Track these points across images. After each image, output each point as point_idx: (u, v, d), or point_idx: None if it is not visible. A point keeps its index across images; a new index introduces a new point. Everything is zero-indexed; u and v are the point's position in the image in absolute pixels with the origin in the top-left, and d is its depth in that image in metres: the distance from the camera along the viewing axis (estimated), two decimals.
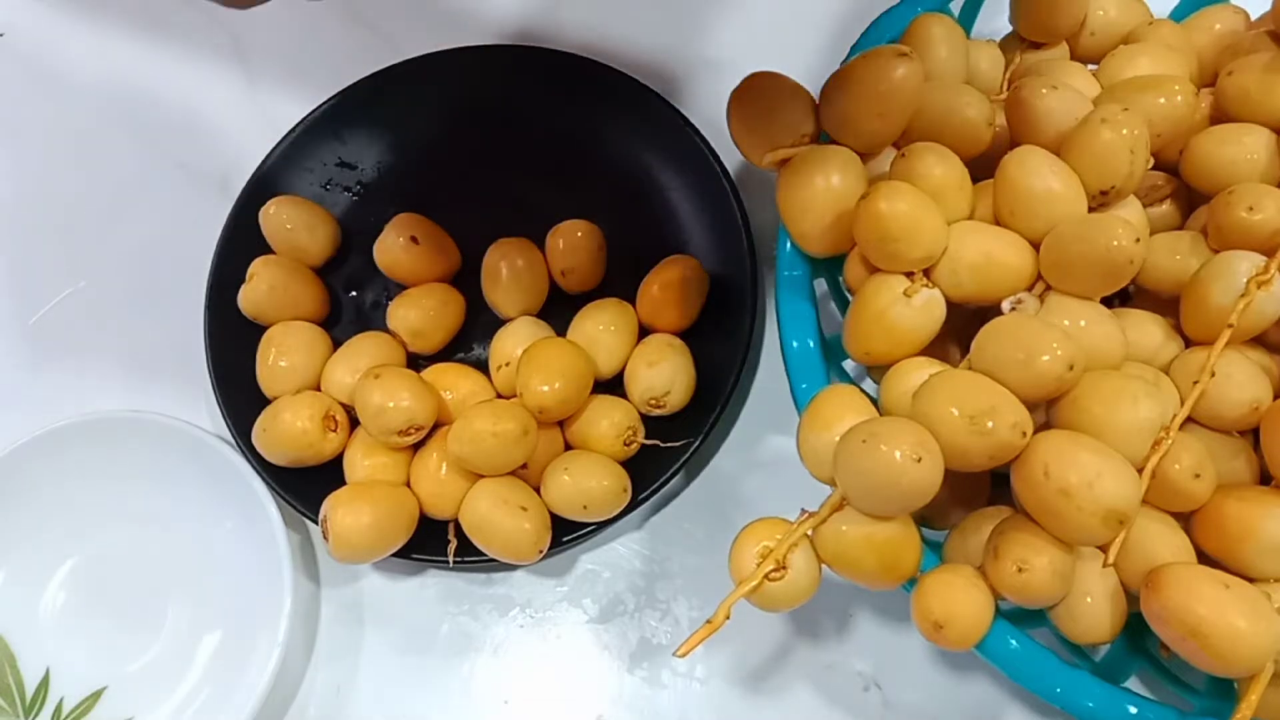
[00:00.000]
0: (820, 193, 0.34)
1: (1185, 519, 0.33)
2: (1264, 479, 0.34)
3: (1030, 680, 0.32)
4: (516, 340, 0.45)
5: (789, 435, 0.34)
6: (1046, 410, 0.32)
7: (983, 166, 0.35)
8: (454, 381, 0.45)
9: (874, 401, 0.33)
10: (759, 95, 0.36)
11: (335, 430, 0.44)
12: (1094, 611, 0.32)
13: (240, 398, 0.46)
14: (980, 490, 0.37)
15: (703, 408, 0.44)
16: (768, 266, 0.48)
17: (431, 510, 0.42)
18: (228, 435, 0.45)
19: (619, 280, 0.48)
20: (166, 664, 0.44)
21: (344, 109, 0.50)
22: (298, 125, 0.50)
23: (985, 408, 0.29)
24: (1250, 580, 0.30)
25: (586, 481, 0.41)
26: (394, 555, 0.42)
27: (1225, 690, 0.35)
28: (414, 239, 0.47)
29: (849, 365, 0.42)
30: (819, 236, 0.35)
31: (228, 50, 0.57)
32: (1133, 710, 0.31)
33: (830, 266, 0.40)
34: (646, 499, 0.43)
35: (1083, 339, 0.31)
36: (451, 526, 0.43)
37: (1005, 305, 0.33)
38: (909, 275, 0.34)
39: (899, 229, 0.32)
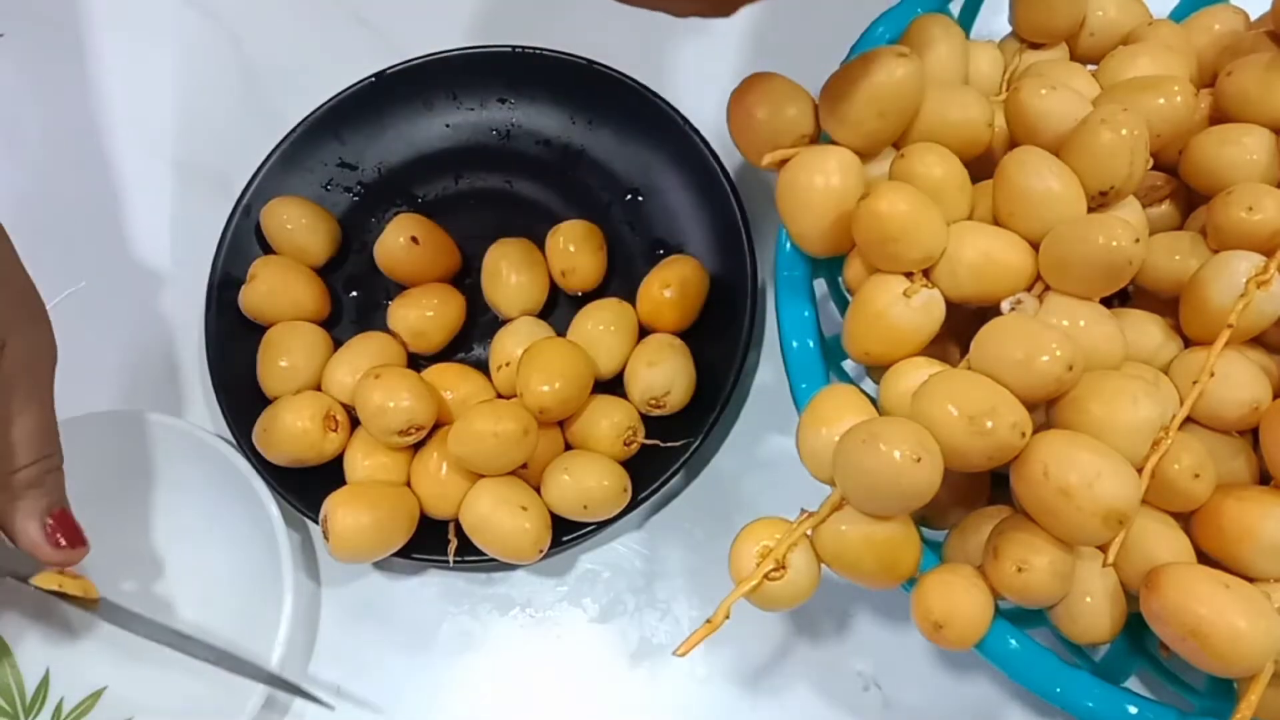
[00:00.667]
0: (820, 193, 0.34)
1: (1185, 519, 0.33)
2: (1264, 479, 0.34)
3: (1030, 680, 0.32)
4: (516, 340, 0.45)
5: (789, 435, 0.34)
6: (1046, 410, 0.32)
7: (983, 166, 0.35)
8: (454, 381, 0.45)
9: (874, 401, 0.33)
10: (759, 95, 0.36)
11: (335, 430, 0.44)
12: (1094, 611, 0.32)
13: (240, 398, 0.46)
14: (980, 490, 0.37)
15: (703, 408, 0.44)
16: (768, 266, 0.48)
17: (431, 510, 0.42)
18: (228, 435, 0.45)
19: (619, 280, 0.48)
20: (166, 664, 0.44)
21: (344, 109, 0.50)
22: (298, 125, 0.50)
23: (985, 408, 0.29)
24: (1250, 580, 0.30)
25: (586, 481, 0.41)
26: (394, 555, 0.42)
27: (1225, 690, 0.35)
28: (414, 239, 0.47)
29: (849, 365, 0.42)
30: (819, 236, 0.35)
31: (228, 50, 0.57)
32: (1133, 710, 0.31)
33: (830, 266, 0.40)
34: (646, 499, 0.43)
35: (1082, 339, 0.31)
36: (451, 526, 0.43)
37: (1005, 305, 0.33)
38: (909, 275, 0.34)
39: (899, 229, 0.32)
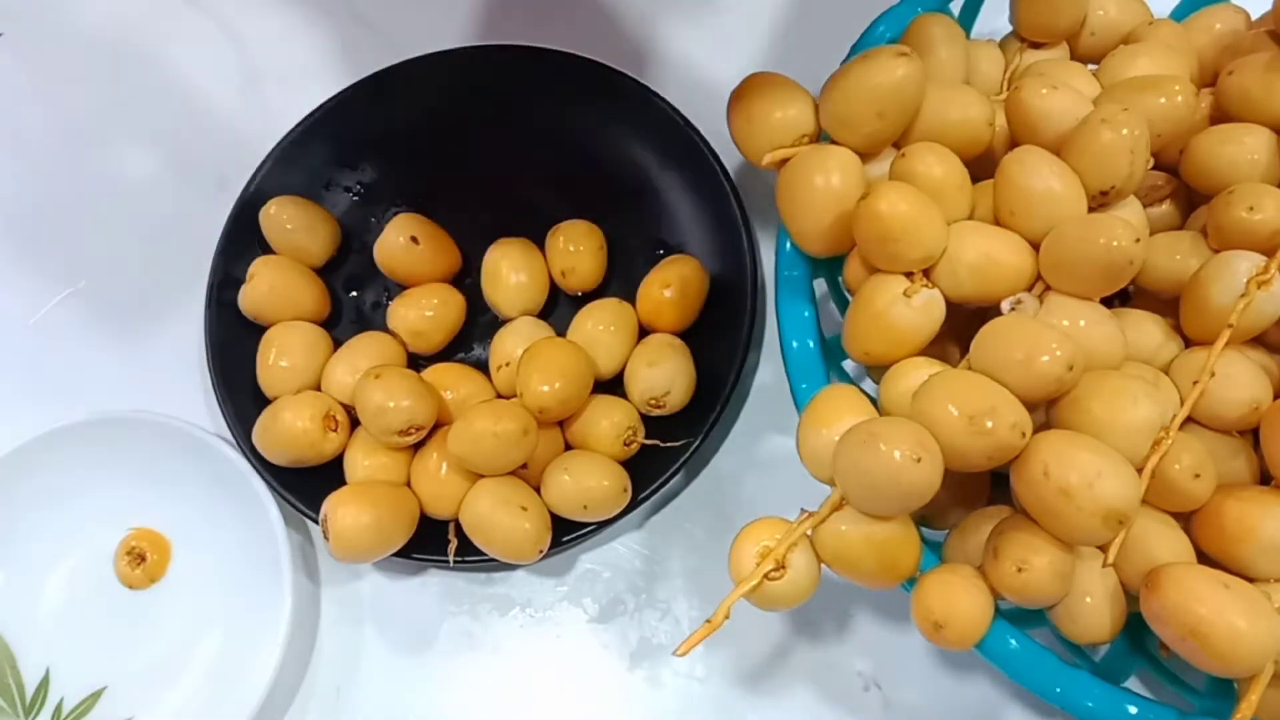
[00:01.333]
0: (820, 193, 0.34)
1: (1185, 519, 0.33)
2: (1264, 479, 0.34)
3: (1030, 680, 0.32)
4: (516, 340, 0.45)
5: (789, 435, 0.34)
6: (1046, 410, 0.32)
7: (983, 166, 0.35)
8: (454, 381, 0.45)
9: (874, 401, 0.33)
10: (759, 95, 0.36)
11: (335, 430, 0.44)
12: (1094, 611, 0.32)
13: (240, 398, 0.46)
14: (980, 490, 0.37)
15: (703, 408, 0.44)
16: (768, 266, 0.48)
17: (431, 510, 0.42)
18: (228, 435, 0.45)
19: (619, 280, 0.48)
20: (166, 664, 0.44)
21: (344, 109, 0.50)
22: (298, 125, 0.50)
23: (985, 408, 0.29)
24: (1250, 580, 0.30)
25: (586, 481, 0.41)
26: (394, 555, 0.42)
27: (1225, 690, 0.35)
28: (414, 239, 0.47)
29: (849, 365, 0.42)
30: (819, 236, 0.35)
31: (228, 50, 0.57)
32: (1133, 710, 0.31)
33: (830, 266, 0.40)
34: (646, 499, 0.43)
35: (1082, 339, 0.31)
36: (451, 526, 0.43)
37: (1005, 305, 0.33)
38: (909, 275, 0.34)
39: (899, 229, 0.32)
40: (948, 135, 0.35)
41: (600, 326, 0.45)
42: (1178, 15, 0.43)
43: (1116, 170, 0.33)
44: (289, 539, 0.43)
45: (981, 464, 0.30)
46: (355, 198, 0.51)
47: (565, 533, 0.42)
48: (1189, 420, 0.33)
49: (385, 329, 0.47)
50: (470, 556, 0.42)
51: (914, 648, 0.42)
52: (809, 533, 0.32)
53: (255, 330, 0.47)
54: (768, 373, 0.47)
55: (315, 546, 0.46)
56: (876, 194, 0.32)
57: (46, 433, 0.45)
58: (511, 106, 0.51)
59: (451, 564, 0.42)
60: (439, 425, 0.43)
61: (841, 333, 0.36)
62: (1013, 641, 0.32)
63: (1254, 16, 0.40)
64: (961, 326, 0.35)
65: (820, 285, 0.41)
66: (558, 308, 0.48)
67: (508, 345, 0.45)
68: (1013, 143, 0.35)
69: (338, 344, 0.47)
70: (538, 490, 0.42)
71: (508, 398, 0.44)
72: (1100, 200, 0.33)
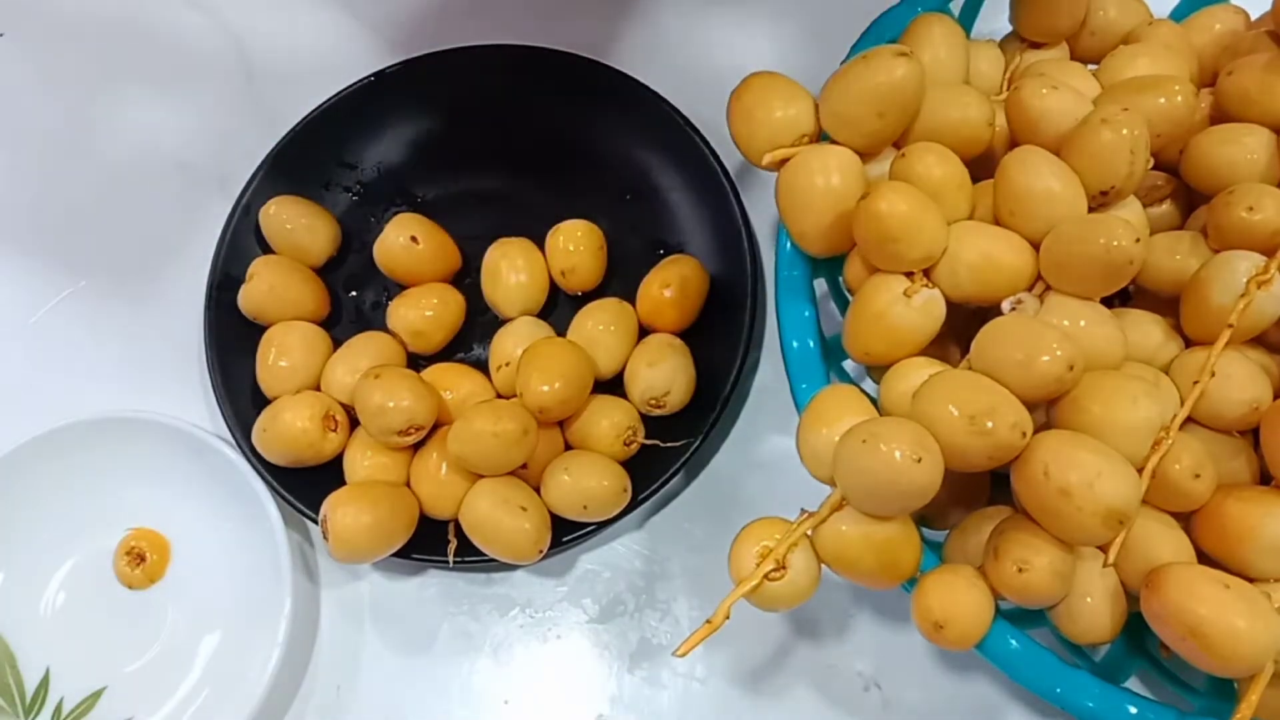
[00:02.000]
0: (820, 193, 0.34)
1: (1185, 519, 0.33)
2: (1264, 479, 0.34)
3: (1030, 680, 0.32)
4: (516, 340, 0.45)
5: (789, 435, 0.34)
6: (1046, 410, 0.32)
7: (983, 166, 0.35)
8: (454, 381, 0.45)
9: (874, 401, 0.33)
10: (759, 95, 0.36)
11: (335, 430, 0.44)
12: (1094, 611, 0.32)
13: (240, 398, 0.46)
14: (980, 490, 0.37)
15: (703, 408, 0.44)
16: (768, 266, 0.48)
17: (431, 510, 0.42)
18: (228, 435, 0.45)
19: (619, 280, 0.48)
20: (166, 664, 0.44)
21: (344, 109, 0.50)
22: (298, 125, 0.50)
23: (985, 408, 0.29)
24: (1250, 580, 0.30)
25: (586, 481, 0.41)
26: (394, 555, 0.42)
27: (1225, 690, 0.35)
28: (414, 239, 0.47)
29: (849, 365, 0.42)
30: (819, 236, 0.35)
31: (228, 50, 0.57)
32: (1133, 710, 0.31)
33: (830, 266, 0.40)
34: (646, 499, 0.43)
35: (1083, 339, 0.31)
36: (451, 526, 0.43)
37: (1005, 305, 0.33)
38: (909, 275, 0.34)
39: (899, 229, 0.32)
40: (948, 135, 0.35)
41: (600, 326, 0.45)
42: (1178, 15, 0.43)
43: (1116, 170, 0.33)
44: (289, 539, 0.43)
45: (982, 464, 0.30)
46: (355, 198, 0.51)
47: (565, 533, 0.42)
48: (1189, 420, 0.33)
49: (385, 329, 0.47)
50: (470, 556, 0.42)
51: (914, 648, 0.42)
52: (809, 533, 0.32)
53: (255, 330, 0.47)
54: (768, 373, 0.47)
55: (315, 546, 0.46)
56: (876, 194, 0.32)
57: (46, 433, 0.45)
58: (511, 106, 0.51)
59: (451, 564, 0.42)
60: (439, 425, 0.43)
61: (841, 333, 0.36)
62: (1013, 641, 0.32)
63: (1254, 16, 0.40)
64: (961, 326, 0.35)
65: (820, 285, 0.41)
66: (558, 308, 0.48)
67: (508, 345, 0.45)
68: (1013, 143, 0.35)
69: (338, 344, 0.46)
70: (538, 490, 0.42)
71: (508, 398, 0.44)
72: (1100, 200, 0.33)
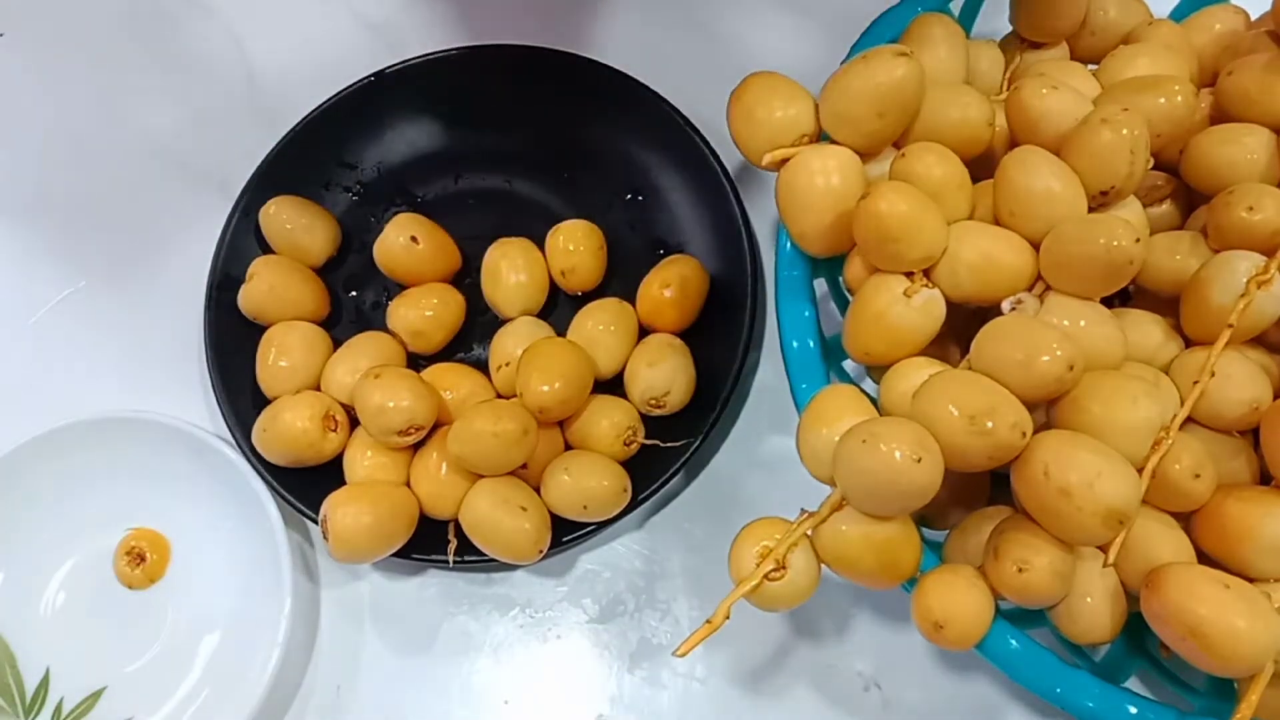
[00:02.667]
0: (820, 193, 0.34)
1: (1185, 519, 0.33)
2: (1264, 479, 0.34)
3: (1030, 680, 0.32)
4: (516, 340, 0.45)
5: (789, 435, 0.34)
6: (1046, 410, 0.32)
7: (983, 166, 0.35)
8: (454, 381, 0.45)
9: (874, 401, 0.33)
10: (759, 95, 0.36)
11: (335, 430, 0.44)
12: (1094, 611, 0.32)
13: (240, 398, 0.46)
14: (980, 490, 0.37)
15: (703, 408, 0.44)
16: (768, 266, 0.48)
17: (431, 510, 0.42)
18: (228, 435, 0.45)
19: (619, 280, 0.48)
20: (166, 664, 0.44)
21: (344, 109, 0.50)
22: (298, 125, 0.50)
23: (985, 408, 0.29)
24: (1250, 580, 0.30)
25: (586, 481, 0.41)
26: (394, 555, 0.42)
27: (1225, 690, 0.35)
28: (414, 239, 0.47)
29: (849, 365, 0.42)
30: (819, 236, 0.35)
31: (228, 50, 0.57)
32: (1133, 710, 0.31)
33: (830, 266, 0.40)
34: (646, 499, 0.43)
35: (1083, 339, 0.31)
36: (451, 526, 0.43)
37: (1005, 305, 0.33)
38: (909, 275, 0.34)
39: (899, 229, 0.32)
40: (948, 135, 0.35)
41: (600, 326, 0.45)
42: (1178, 15, 0.43)
43: (1116, 170, 0.33)
44: (289, 539, 0.42)
45: (982, 464, 0.30)
46: (355, 198, 0.51)
47: (565, 533, 0.42)
48: (1189, 420, 0.33)
49: (385, 329, 0.47)
50: (470, 556, 0.42)
51: (914, 648, 0.42)
52: (809, 533, 0.32)
53: (255, 330, 0.47)
54: (768, 373, 0.47)
55: (315, 546, 0.46)
56: (876, 194, 0.32)
57: (47, 432, 0.45)
58: (511, 106, 0.51)
59: (451, 564, 0.42)
60: (439, 425, 0.43)
61: (841, 333, 0.36)
62: (1013, 641, 0.32)
63: (1254, 16, 0.40)
64: (961, 326, 0.35)
65: (820, 285, 0.41)
66: (558, 308, 0.48)
67: (508, 345, 0.45)
68: (1013, 143, 0.35)
69: (338, 344, 0.46)
70: (538, 490, 0.42)
71: (508, 398, 0.44)
72: (1100, 200, 0.33)
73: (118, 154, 0.55)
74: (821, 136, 0.36)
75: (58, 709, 0.44)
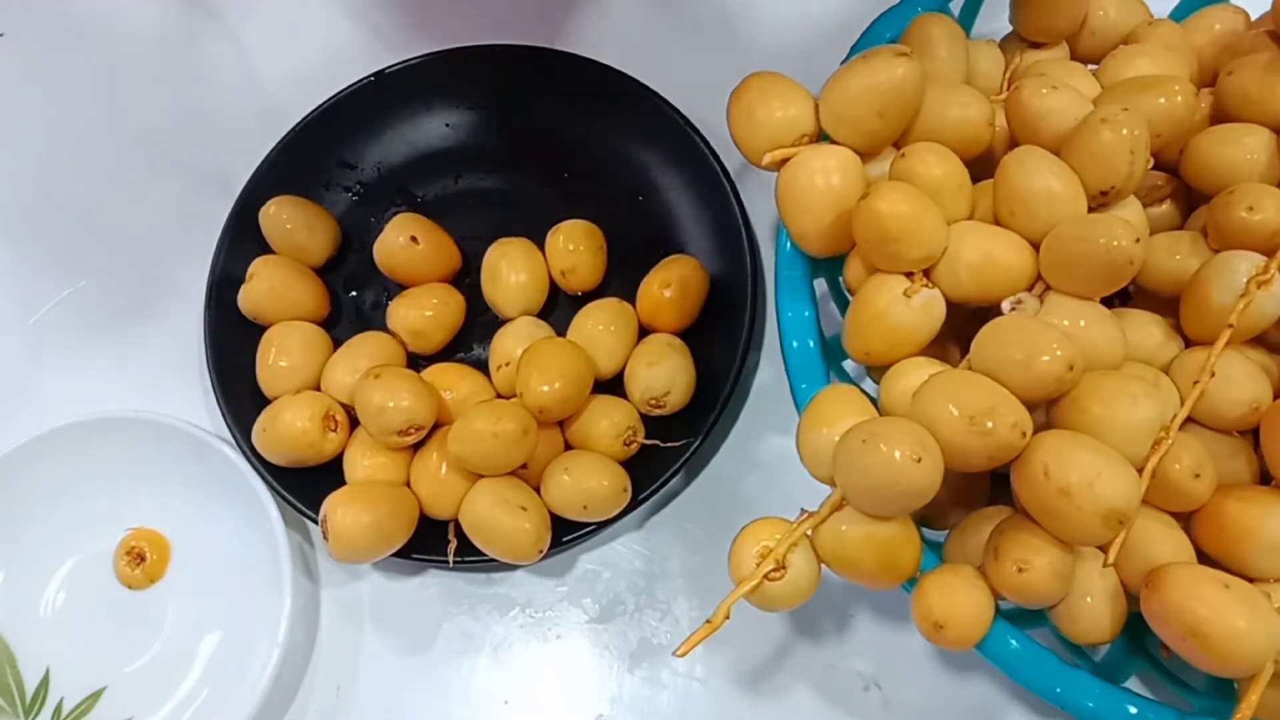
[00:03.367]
0: (820, 193, 0.34)
1: (1185, 519, 0.33)
2: (1264, 479, 0.34)
3: (1030, 680, 0.32)
4: (516, 340, 0.45)
5: (789, 435, 0.34)
6: (1046, 410, 0.32)
7: (983, 166, 0.35)
8: (454, 381, 0.45)
9: (874, 401, 0.33)
10: (759, 95, 0.36)
11: (335, 430, 0.44)
12: (1094, 611, 0.32)
13: (240, 398, 0.46)
14: (980, 490, 0.37)
15: (703, 408, 0.44)
16: (768, 266, 0.48)
17: (431, 510, 0.42)
18: (228, 435, 0.45)
19: (619, 280, 0.48)
20: (166, 664, 0.44)
21: (344, 109, 0.50)
22: (298, 125, 0.50)
23: (985, 408, 0.29)
24: (1250, 580, 0.30)
25: (586, 481, 0.41)
26: (394, 555, 0.42)
27: (1225, 690, 0.35)
28: (414, 239, 0.47)
29: (849, 365, 0.42)
30: (819, 236, 0.35)
31: (228, 50, 0.57)
32: (1133, 710, 0.31)
33: (830, 266, 0.40)
34: (646, 499, 0.43)
35: (1083, 339, 0.31)
36: (451, 526, 0.43)
37: (1005, 305, 0.33)
38: (909, 275, 0.34)
39: (899, 229, 0.32)
40: (948, 135, 0.35)
41: (600, 326, 0.45)
42: (1178, 15, 0.43)
43: (1116, 170, 0.33)
44: (289, 539, 0.43)
45: (982, 464, 0.30)
46: (355, 198, 0.51)
47: (565, 533, 0.42)
48: (1189, 420, 0.33)
49: (385, 329, 0.47)
50: (470, 556, 0.42)
51: (914, 648, 0.42)
52: (809, 533, 0.32)
53: (255, 330, 0.47)
54: (768, 373, 0.47)
55: (315, 546, 0.46)
56: (876, 194, 0.32)
57: (46, 432, 0.45)
58: (512, 106, 0.51)
59: (451, 564, 0.42)
60: (439, 425, 0.43)
61: (841, 333, 0.36)
62: (1013, 641, 0.32)
63: (1254, 16, 0.40)
64: (961, 326, 0.35)
65: (820, 285, 0.41)
66: (558, 308, 0.48)
67: (508, 345, 0.45)
68: (1013, 143, 0.35)
69: (337, 344, 0.46)
70: (538, 490, 0.42)
71: (508, 398, 0.44)
72: (1100, 200, 0.33)
73: (118, 154, 0.55)
74: (821, 136, 0.36)
75: (58, 709, 0.44)
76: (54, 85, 0.57)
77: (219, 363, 0.46)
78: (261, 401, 0.45)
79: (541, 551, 0.41)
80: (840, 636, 0.43)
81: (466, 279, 0.49)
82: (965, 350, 0.32)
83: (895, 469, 0.28)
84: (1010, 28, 0.42)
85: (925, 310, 0.33)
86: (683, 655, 0.30)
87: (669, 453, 0.44)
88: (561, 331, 0.46)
